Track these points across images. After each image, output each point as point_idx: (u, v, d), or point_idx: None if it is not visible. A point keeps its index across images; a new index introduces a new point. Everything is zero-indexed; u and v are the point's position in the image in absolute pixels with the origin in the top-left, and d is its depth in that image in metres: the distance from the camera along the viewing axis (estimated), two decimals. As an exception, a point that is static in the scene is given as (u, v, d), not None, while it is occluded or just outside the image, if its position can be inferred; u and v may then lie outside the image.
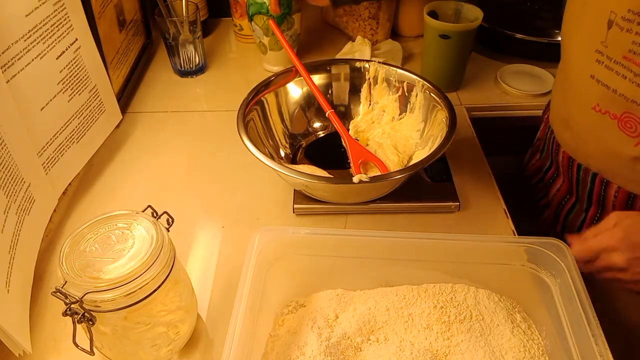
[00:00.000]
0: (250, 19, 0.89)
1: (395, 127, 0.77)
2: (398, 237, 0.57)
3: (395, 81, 0.76)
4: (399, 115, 0.77)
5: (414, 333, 0.54)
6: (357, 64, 0.79)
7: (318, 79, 0.78)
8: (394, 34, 1.05)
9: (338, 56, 0.98)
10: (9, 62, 0.58)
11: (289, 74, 0.77)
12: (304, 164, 0.74)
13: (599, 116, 0.61)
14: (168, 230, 0.49)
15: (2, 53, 0.57)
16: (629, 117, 0.58)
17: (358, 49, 0.97)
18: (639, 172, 0.62)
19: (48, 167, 0.66)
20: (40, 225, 0.64)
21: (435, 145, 0.65)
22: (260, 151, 0.64)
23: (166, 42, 0.93)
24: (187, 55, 0.94)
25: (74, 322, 0.44)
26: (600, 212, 0.70)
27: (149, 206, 0.51)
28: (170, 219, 0.51)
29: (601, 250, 0.56)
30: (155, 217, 0.50)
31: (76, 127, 0.71)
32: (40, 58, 0.63)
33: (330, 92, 0.80)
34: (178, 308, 0.51)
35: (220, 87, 0.95)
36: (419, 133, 0.74)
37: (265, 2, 0.85)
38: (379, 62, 0.77)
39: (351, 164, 0.71)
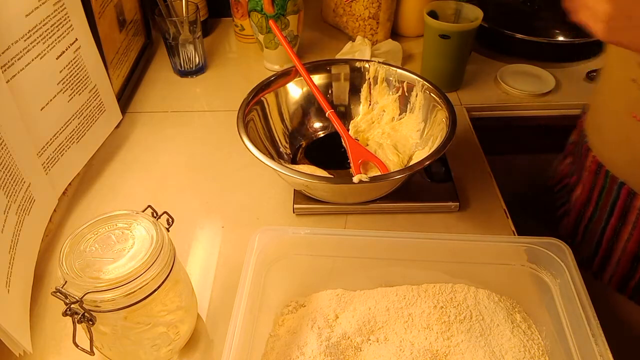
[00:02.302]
0: (248, 15, 0.91)
1: (395, 127, 0.77)
2: (398, 237, 0.57)
3: (395, 81, 0.76)
4: (399, 115, 0.77)
5: (414, 333, 0.54)
6: (357, 64, 0.79)
7: (318, 79, 0.78)
8: (394, 34, 1.05)
9: (338, 56, 0.98)
10: (9, 62, 0.58)
11: (289, 74, 0.77)
12: (304, 164, 0.74)
13: (635, 123, 0.59)
14: (168, 230, 0.49)
15: (2, 53, 0.57)
16: None
17: (358, 49, 0.97)
18: None
19: (48, 167, 0.66)
20: (40, 225, 0.64)
21: (435, 145, 0.65)
22: (260, 151, 0.64)
23: (166, 42, 0.93)
24: (187, 55, 0.94)
25: (74, 322, 0.44)
26: (622, 224, 0.67)
27: (149, 206, 0.51)
28: (170, 219, 0.51)
29: None
30: (155, 217, 0.50)
31: (76, 127, 0.71)
32: (40, 58, 0.63)
33: (330, 92, 0.79)
34: (178, 308, 0.51)
35: (220, 87, 0.95)
36: (419, 133, 0.74)
37: (260, 0, 0.87)
38: (379, 62, 0.77)
39: (351, 164, 0.71)
